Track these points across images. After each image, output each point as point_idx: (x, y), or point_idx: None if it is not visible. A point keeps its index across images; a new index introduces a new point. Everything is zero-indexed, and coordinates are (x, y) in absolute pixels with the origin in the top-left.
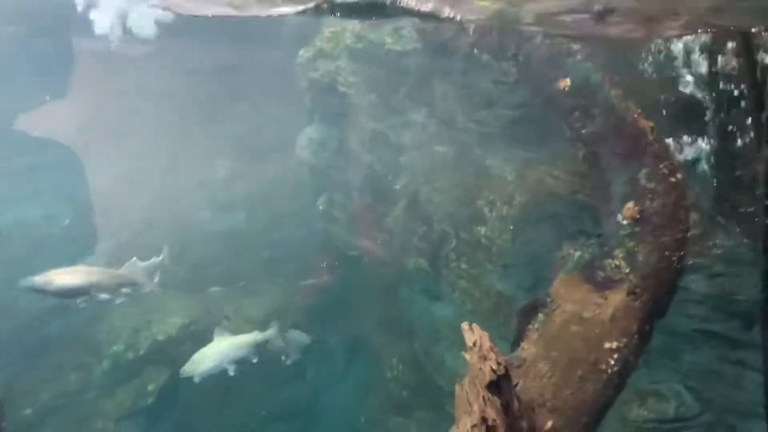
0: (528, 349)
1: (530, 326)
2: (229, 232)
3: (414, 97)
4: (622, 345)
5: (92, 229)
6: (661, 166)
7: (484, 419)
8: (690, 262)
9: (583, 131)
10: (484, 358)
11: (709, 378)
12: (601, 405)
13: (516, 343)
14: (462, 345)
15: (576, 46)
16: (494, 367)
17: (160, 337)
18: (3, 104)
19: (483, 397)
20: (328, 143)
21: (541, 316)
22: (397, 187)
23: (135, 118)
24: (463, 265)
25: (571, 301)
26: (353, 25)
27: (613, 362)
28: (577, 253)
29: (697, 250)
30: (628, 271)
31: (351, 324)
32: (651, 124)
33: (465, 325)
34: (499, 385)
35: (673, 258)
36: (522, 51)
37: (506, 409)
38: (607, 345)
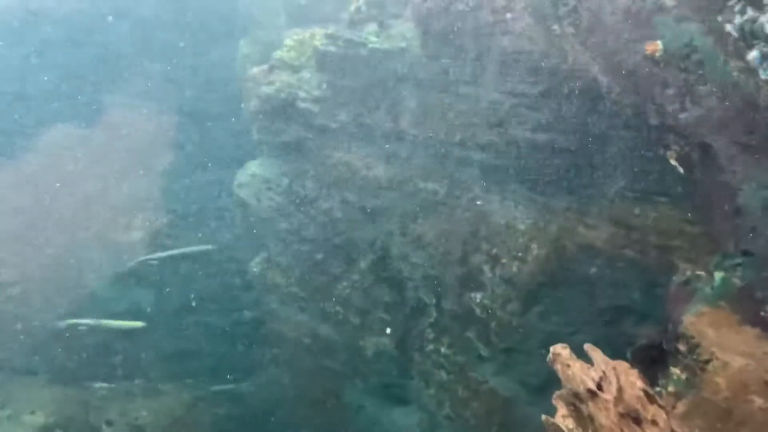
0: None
1: (660, 388)
2: (131, 314)
3: (399, 115)
4: None
5: None
6: None
7: None
8: None
9: (681, 116)
10: (635, 420)
11: None
12: None
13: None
14: None
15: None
16: None
17: None
18: None
19: None
20: (277, 181)
21: (677, 370)
22: (362, 239)
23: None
24: (445, 349)
25: (735, 350)
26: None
27: None
28: (719, 275)
29: None
30: None
31: None
32: None
33: (559, 348)
34: None
35: None
36: (587, 2)
37: None
38: None
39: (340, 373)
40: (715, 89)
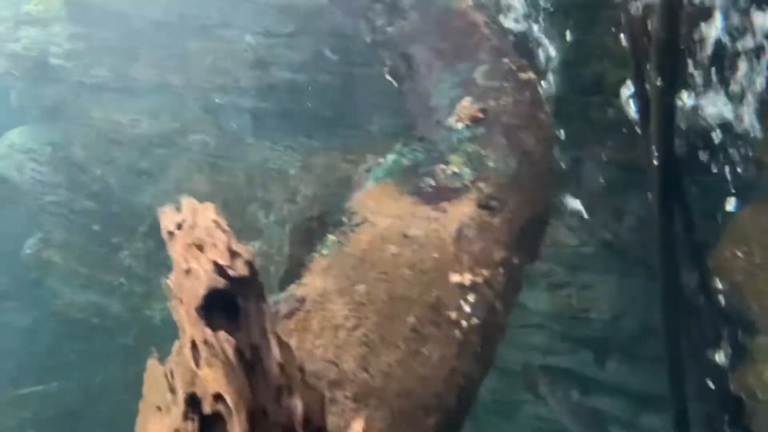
0: (311, 283)
1: (315, 253)
2: None
3: (160, 65)
4: (480, 280)
5: None
6: (504, 60)
7: (192, 398)
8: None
9: (390, 29)
10: (199, 247)
11: None
12: (459, 390)
13: (288, 281)
14: None
15: None
16: (222, 261)
17: None
18: None
19: (193, 341)
20: (39, 150)
21: (333, 237)
22: (139, 203)
23: None
24: None
25: (386, 214)
26: None
27: (469, 308)
28: (392, 157)
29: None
30: (473, 178)
31: None
32: (485, 17)
33: (166, 207)
34: (232, 306)
35: (540, 168)
36: None
37: (249, 364)
38: (455, 278)
39: (136, 349)
40: (417, 1)
